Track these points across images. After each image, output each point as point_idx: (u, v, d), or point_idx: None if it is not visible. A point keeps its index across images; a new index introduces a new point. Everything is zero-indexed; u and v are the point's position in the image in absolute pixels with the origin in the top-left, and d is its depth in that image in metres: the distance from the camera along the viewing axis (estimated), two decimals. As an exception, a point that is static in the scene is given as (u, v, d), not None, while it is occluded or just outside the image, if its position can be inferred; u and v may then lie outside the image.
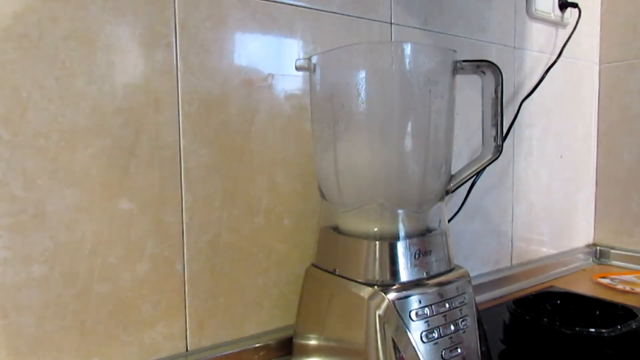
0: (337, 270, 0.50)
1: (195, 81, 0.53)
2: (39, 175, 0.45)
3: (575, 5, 0.94)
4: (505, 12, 0.86)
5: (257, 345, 0.57)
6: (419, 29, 0.73)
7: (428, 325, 0.45)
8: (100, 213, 0.48)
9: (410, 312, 0.45)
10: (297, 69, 0.53)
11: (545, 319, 0.59)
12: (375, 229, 0.49)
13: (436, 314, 0.46)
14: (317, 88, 0.53)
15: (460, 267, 0.52)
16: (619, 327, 0.56)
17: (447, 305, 0.47)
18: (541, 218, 0.96)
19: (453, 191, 0.53)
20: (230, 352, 0.55)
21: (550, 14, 0.93)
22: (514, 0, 0.88)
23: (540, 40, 0.93)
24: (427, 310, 0.46)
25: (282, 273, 0.60)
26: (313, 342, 0.52)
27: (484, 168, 0.52)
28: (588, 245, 1.07)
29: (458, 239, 0.81)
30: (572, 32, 0.93)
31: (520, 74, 0.90)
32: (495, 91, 0.49)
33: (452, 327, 0.47)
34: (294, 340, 0.55)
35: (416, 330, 0.45)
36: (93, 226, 0.48)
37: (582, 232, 1.07)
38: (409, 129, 0.48)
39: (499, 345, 0.62)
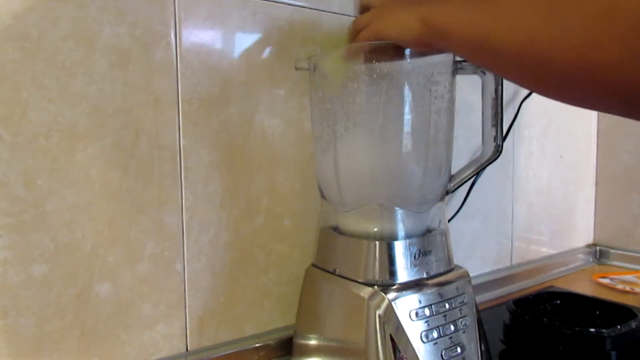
0: (337, 270, 0.50)
1: (195, 81, 0.53)
2: (39, 175, 0.45)
3: (575, 5, 0.94)
4: (505, 12, 0.86)
5: (257, 345, 0.57)
6: (419, 29, 0.73)
7: (428, 325, 0.45)
8: (100, 213, 0.48)
9: (410, 312, 0.45)
10: (297, 68, 0.53)
11: (545, 319, 0.59)
12: (375, 229, 0.49)
13: (436, 314, 0.46)
14: (317, 88, 0.53)
15: (460, 267, 0.52)
16: (619, 327, 0.56)
17: (447, 305, 0.47)
18: (541, 218, 0.96)
19: (453, 191, 0.53)
20: (230, 352, 0.55)
21: (550, 14, 0.93)
22: None
23: (540, 40, 0.93)
24: (427, 310, 0.46)
25: (282, 273, 0.60)
26: (313, 342, 0.52)
27: (484, 168, 0.52)
28: (588, 245, 1.07)
29: (458, 239, 0.81)
30: (572, 32, 0.93)
31: (520, 74, 0.89)
32: (496, 91, 0.49)
33: (452, 327, 0.47)
34: (294, 340, 0.55)
35: (416, 330, 0.45)
36: (93, 226, 0.48)
37: (582, 232, 1.07)
38: (409, 129, 0.48)
39: (499, 345, 0.62)
